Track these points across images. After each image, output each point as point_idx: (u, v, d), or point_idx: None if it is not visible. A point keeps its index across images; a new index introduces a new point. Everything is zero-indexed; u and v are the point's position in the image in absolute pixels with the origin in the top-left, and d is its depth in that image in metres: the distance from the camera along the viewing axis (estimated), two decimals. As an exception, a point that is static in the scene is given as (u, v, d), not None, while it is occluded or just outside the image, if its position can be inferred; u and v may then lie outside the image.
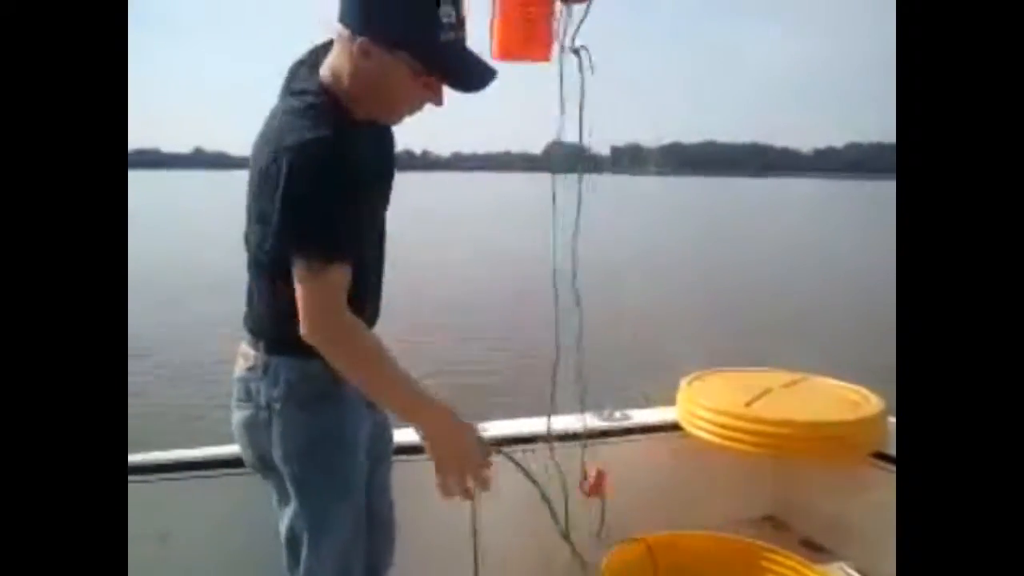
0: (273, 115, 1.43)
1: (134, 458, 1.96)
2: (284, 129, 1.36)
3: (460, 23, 1.39)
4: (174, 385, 6.83)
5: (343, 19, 1.39)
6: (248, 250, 1.48)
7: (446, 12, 1.35)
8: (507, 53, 1.57)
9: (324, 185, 1.31)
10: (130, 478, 1.67)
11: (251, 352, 1.50)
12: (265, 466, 1.53)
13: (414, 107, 1.47)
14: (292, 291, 1.37)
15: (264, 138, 1.41)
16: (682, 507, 2.36)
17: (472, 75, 1.42)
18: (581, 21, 1.56)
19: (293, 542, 1.53)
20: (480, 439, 1.51)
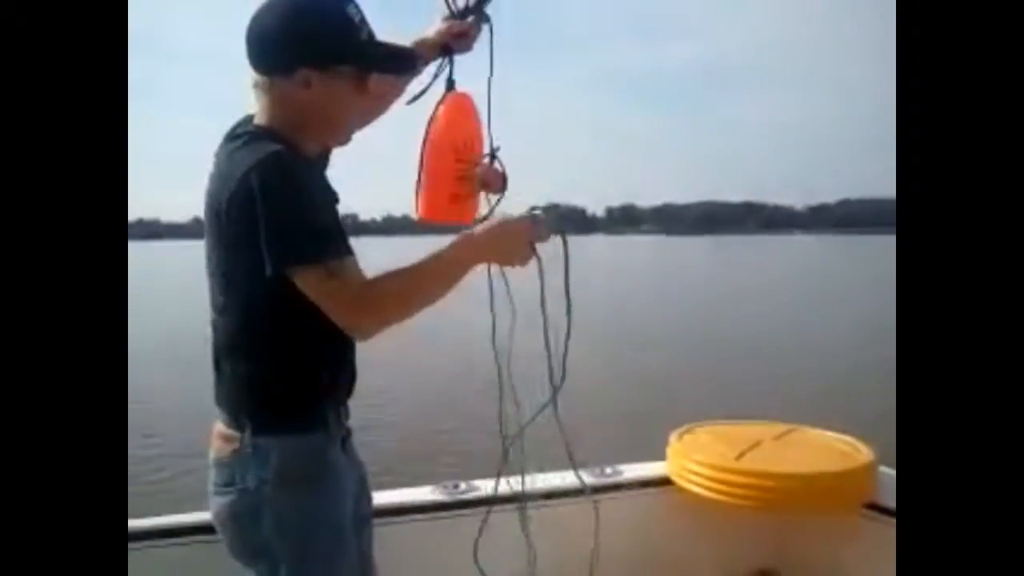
0: (218, 163, 1.41)
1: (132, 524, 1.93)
2: (234, 163, 1.34)
3: (364, 18, 1.42)
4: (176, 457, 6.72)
5: (263, 66, 1.40)
6: (216, 313, 1.43)
7: (353, 12, 1.40)
8: (435, 214, 1.61)
9: (298, 190, 1.32)
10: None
11: (234, 434, 1.41)
12: (253, 556, 1.43)
13: (359, 119, 1.51)
14: (277, 342, 1.37)
15: (214, 182, 1.38)
16: (675, 563, 2.34)
17: (403, 59, 1.49)
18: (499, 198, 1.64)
19: None
20: (517, 227, 1.45)
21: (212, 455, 1.44)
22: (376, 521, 2.05)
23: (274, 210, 1.29)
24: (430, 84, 1.62)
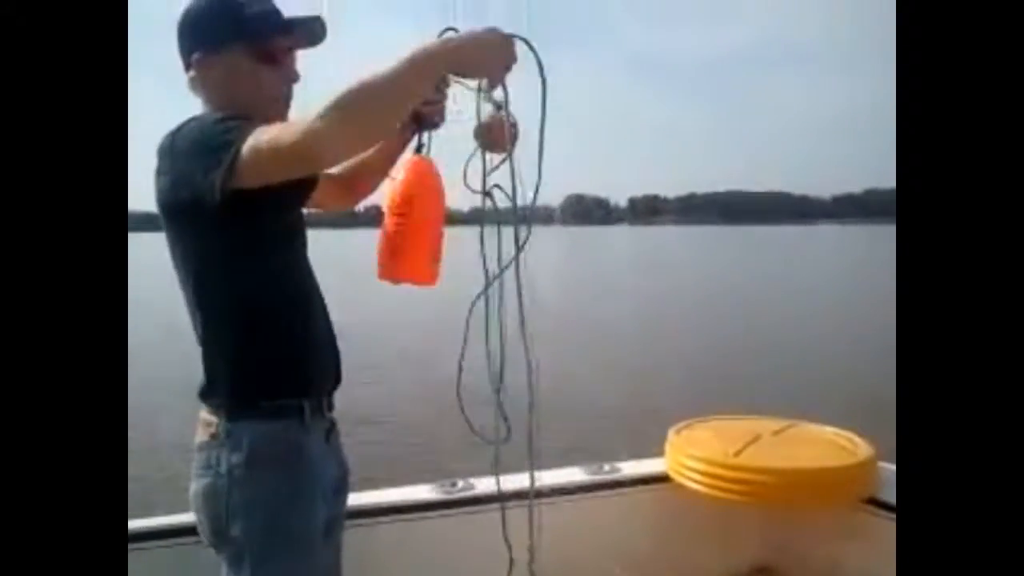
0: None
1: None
2: (167, 141, 1.40)
3: None
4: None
5: (184, 60, 1.48)
6: (189, 301, 1.47)
7: None
8: (386, 273, 1.53)
9: (202, 122, 1.38)
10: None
11: (212, 419, 1.46)
12: (220, 538, 1.45)
13: (278, 93, 1.50)
14: (242, 331, 1.42)
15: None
16: (674, 560, 2.34)
17: (303, 27, 1.49)
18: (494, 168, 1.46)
19: None
20: (487, 38, 1.30)
21: (196, 440, 1.48)
22: (372, 520, 2.08)
23: (185, 149, 1.34)
24: (417, 147, 1.60)
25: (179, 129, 1.40)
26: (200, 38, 1.46)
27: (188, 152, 1.34)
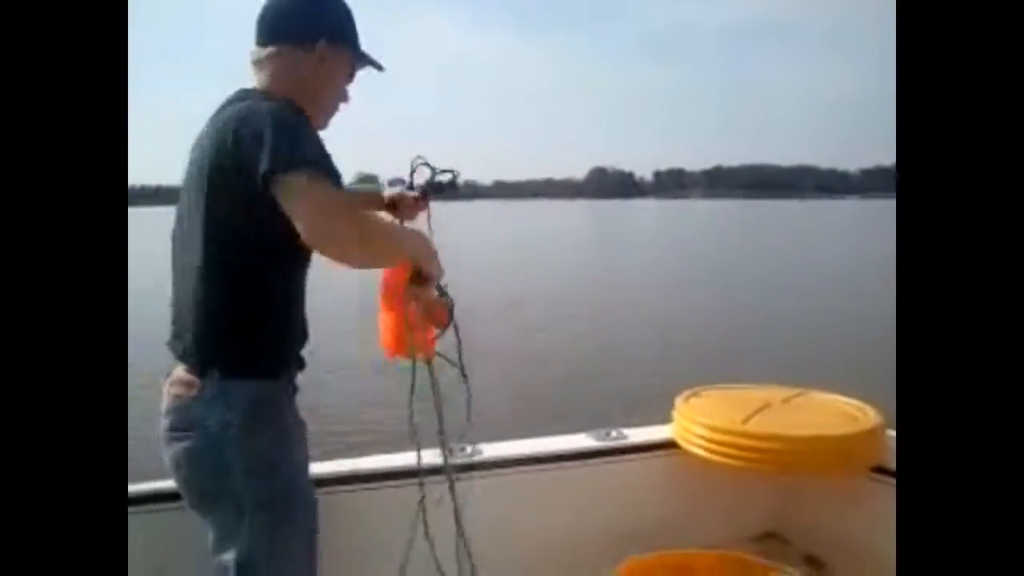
0: (218, 120, 1.47)
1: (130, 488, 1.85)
2: (247, 111, 1.42)
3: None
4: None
5: (282, 37, 1.55)
6: (186, 268, 1.47)
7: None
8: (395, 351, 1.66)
9: (309, 125, 1.44)
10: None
11: (195, 380, 1.44)
12: (208, 499, 1.46)
13: (336, 106, 1.65)
14: (252, 292, 1.46)
15: (211, 136, 1.44)
16: (682, 526, 2.35)
17: (372, 59, 1.67)
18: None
19: (245, 572, 1.44)
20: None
21: (168, 403, 1.47)
22: (353, 487, 2.06)
23: (285, 128, 1.37)
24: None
25: (254, 107, 1.42)
26: (329, 30, 1.57)
27: (268, 128, 1.35)
